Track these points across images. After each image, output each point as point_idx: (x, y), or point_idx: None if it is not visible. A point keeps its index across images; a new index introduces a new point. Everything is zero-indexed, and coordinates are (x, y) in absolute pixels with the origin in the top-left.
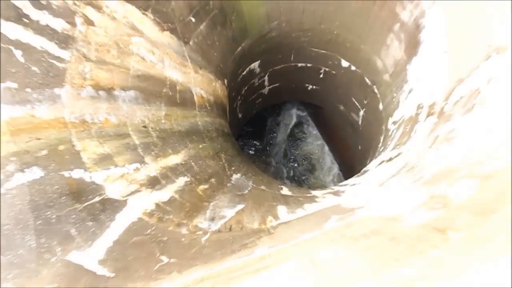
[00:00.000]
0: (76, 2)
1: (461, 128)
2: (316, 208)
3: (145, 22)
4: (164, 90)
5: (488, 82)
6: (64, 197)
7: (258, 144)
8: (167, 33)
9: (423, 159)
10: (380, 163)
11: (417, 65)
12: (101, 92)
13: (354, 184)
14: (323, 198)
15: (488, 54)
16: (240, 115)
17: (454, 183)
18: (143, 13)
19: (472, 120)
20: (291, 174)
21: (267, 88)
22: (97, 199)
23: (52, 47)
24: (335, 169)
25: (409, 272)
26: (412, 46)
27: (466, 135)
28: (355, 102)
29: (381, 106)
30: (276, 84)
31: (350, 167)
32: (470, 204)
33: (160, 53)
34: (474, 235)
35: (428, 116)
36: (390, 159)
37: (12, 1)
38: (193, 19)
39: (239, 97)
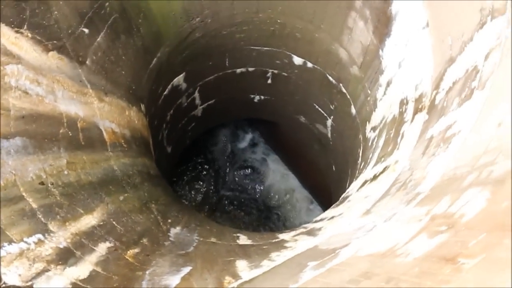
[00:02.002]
0: None
1: (461, 123)
2: (286, 256)
3: (21, 43)
4: (61, 131)
5: (487, 58)
6: None
7: (201, 184)
8: (53, 53)
9: (416, 171)
10: (363, 185)
11: (393, 49)
12: None
13: (332, 217)
14: (295, 242)
15: (481, 21)
16: (169, 149)
17: (459, 196)
18: (17, 31)
19: (473, 110)
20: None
21: (200, 108)
22: None
23: None
24: (306, 201)
25: None
26: (383, 24)
27: (469, 130)
28: (319, 109)
29: (353, 110)
30: (211, 101)
31: (325, 194)
32: (482, 219)
33: (49, 82)
34: (492, 259)
35: (415, 113)
36: (375, 177)
37: None
38: (86, 30)
39: (164, 126)
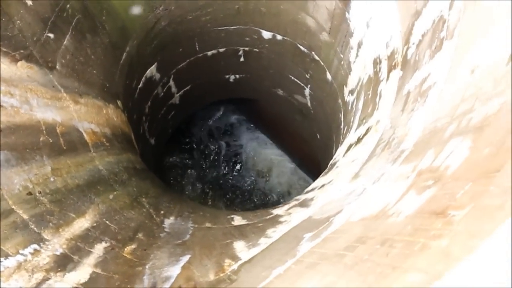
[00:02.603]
0: None
1: (435, 74)
2: (282, 230)
3: None
4: (41, 139)
5: (451, 7)
6: None
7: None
8: (22, 63)
9: (398, 128)
10: (348, 149)
11: (359, 10)
12: None
13: (323, 185)
14: (289, 215)
15: None
16: (152, 141)
17: (442, 148)
18: None
19: (445, 60)
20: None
21: (177, 96)
22: None
23: None
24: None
25: (415, 277)
26: None
27: (443, 81)
28: (296, 80)
29: (329, 76)
30: (187, 88)
31: (312, 164)
32: (466, 169)
33: (22, 92)
34: (480, 207)
35: (390, 71)
36: (359, 140)
37: None
38: (51, 35)
39: (144, 118)
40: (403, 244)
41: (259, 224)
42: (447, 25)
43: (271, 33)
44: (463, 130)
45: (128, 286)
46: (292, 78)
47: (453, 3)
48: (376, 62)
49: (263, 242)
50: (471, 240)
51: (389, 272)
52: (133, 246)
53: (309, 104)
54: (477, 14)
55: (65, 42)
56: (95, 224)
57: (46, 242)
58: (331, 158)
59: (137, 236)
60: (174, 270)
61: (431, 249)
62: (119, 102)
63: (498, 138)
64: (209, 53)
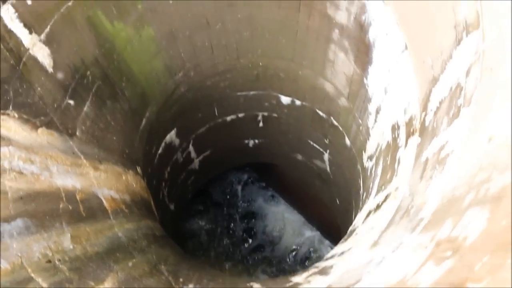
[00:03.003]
0: None
1: (453, 142)
2: None
3: (9, 124)
4: (61, 206)
5: (468, 74)
6: None
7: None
8: (42, 130)
9: (417, 196)
10: (368, 215)
11: (376, 76)
12: None
13: (342, 253)
14: (308, 284)
15: (458, 38)
16: (171, 206)
17: (460, 217)
18: (3, 113)
19: (463, 127)
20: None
21: (196, 161)
22: None
23: None
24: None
25: None
26: (363, 53)
27: (461, 149)
28: (314, 145)
29: (348, 141)
30: (207, 153)
31: (333, 229)
32: (484, 240)
33: (42, 159)
34: (498, 280)
35: (408, 137)
36: (378, 207)
37: None
38: (72, 102)
39: (163, 184)
40: None
41: None
42: (464, 92)
43: (290, 98)
44: (481, 200)
45: None
46: (311, 143)
47: (470, 69)
48: (395, 128)
49: None
50: None
51: None
52: None
53: (328, 169)
54: (493, 83)
55: (85, 109)
56: None
57: None
58: (351, 223)
59: None
60: None
61: None
62: (138, 168)
63: None
64: (228, 118)
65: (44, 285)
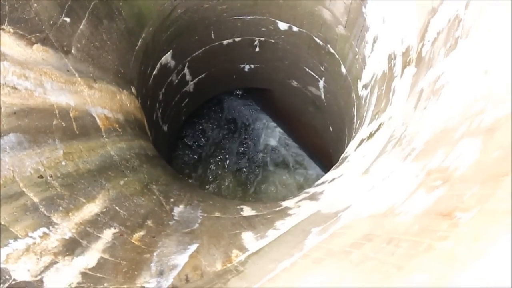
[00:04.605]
0: None
1: (448, 73)
2: (291, 223)
3: (4, 39)
4: (54, 122)
5: (467, 7)
6: None
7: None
8: (37, 46)
9: (410, 125)
10: (360, 143)
11: (375, 4)
12: None
13: (333, 179)
14: (298, 208)
15: None
16: (165, 128)
17: (452, 148)
18: None
19: (459, 59)
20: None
21: (191, 84)
22: None
23: None
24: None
25: (420, 278)
26: None
27: (457, 81)
28: (310, 71)
29: (343, 69)
30: (202, 76)
31: (324, 156)
32: (475, 171)
33: (36, 75)
34: (486, 210)
35: (404, 67)
36: (371, 135)
37: None
38: (68, 19)
39: (157, 105)
40: (409, 244)
41: (268, 216)
42: (462, 24)
43: (287, 25)
44: (473, 131)
45: (135, 272)
46: (307, 69)
47: (469, 3)
48: (391, 58)
49: (271, 234)
50: (476, 244)
51: (394, 272)
52: (142, 233)
53: (322, 96)
54: (493, 17)
55: (81, 27)
56: (104, 210)
57: (56, 226)
58: (343, 151)
59: (146, 223)
60: (182, 259)
61: (436, 251)
62: (133, 88)
63: (508, 142)
64: (225, 42)
65: (35, 199)
